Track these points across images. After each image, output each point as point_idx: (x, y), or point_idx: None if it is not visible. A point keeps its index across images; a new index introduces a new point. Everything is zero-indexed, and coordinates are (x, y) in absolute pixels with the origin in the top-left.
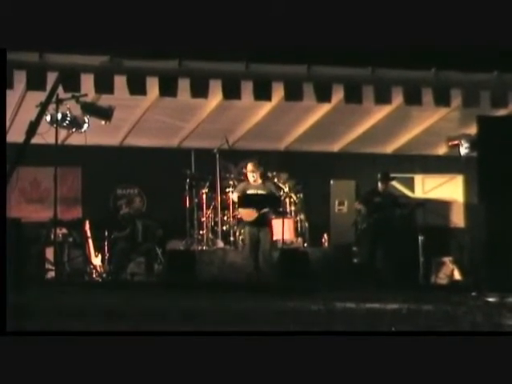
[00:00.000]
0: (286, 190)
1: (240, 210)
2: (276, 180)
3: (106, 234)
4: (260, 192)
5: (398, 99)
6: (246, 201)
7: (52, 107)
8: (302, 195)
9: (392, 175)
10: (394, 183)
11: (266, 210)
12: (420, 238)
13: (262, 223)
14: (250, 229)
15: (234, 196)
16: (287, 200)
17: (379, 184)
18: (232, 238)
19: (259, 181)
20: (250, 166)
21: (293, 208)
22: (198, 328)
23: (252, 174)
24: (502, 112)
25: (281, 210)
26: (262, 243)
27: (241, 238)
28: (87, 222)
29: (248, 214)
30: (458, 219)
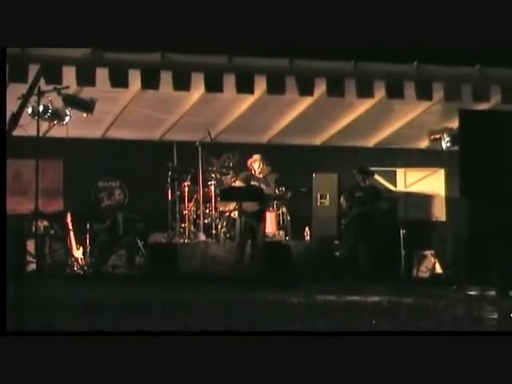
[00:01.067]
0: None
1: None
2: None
3: (88, 226)
4: (262, 186)
5: (380, 93)
6: (228, 194)
7: (33, 99)
8: (283, 188)
9: (373, 169)
10: (376, 176)
11: (262, 203)
12: (402, 231)
13: (259, 216)
14: (247, 221)
15: (237, 183)
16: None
17: (359, 177)
18: (214, 231)
19: (262, 174)
20: (256, 156)
21: (274, 201)
22: (179, 320)
23: (258, 165)
24: (483, 106)
25: (270, 205)
26: (257, 235)
27: (223, 230)
28: (69, 215)
29: (249, 206)
30: (439, 213)
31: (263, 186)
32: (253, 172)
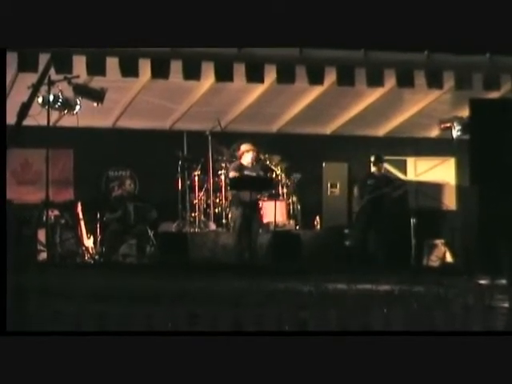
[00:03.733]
0: (279, 172)
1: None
2: (268, 162)
3: (98, 216)
4: (254, 174)
5: (390, 81)
6: (239, 183)
7: (44, 89)
8: (294, 177)
9: (384, 157)
10: (387, 166)
11: (259, 192)
12: (412, 220)
13: (254, 205)
14: (243, 210)
15: (230, 175)
16: (279, 182)
17: (372, 167)
18: (224, 221)
19: (254, 162)
20: (245, 146)
21: (285, 190)
22: (189, 309)
23: (248, 154)
24: (494, 94)
25: (273, 192)
26: (254, 225)
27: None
28: (79, 204)
29: (242, 195)
30: (450, 202)
31: (254, 175)
32: (244, 162)
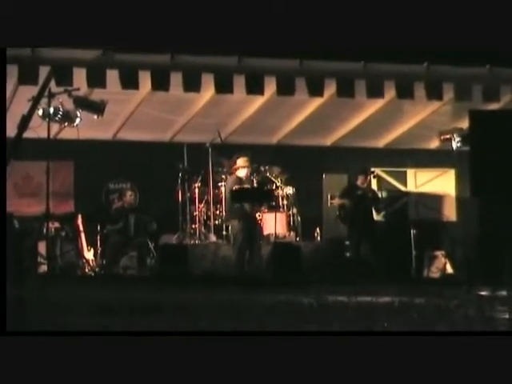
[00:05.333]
0: (279, 184)
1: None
2: (268, 174)
3: (99, 228)
4: (253, 186)
5: (390, 93)
6: (239, 195)
7: (44, 101)
8: (294, 189)
9: (383, 169)
10: (386, 177)
11: (259, 204)
12: (412, 231)
13: (254, 217)
14: (243, 222)
15: (227, 189)
16: (279, 194)
17: (359, 178)
18: (224, 232)
19: (249, 176)
20: (240, 161)
21: (285, 202)
22: (190, 321)
23: (243, 170)
24: (494, 106)
25: (273, 204)
26: (254, 237)
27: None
28: (79, 216)
29: (242, 207)
30: (450, 213)
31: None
32: (240, 175)
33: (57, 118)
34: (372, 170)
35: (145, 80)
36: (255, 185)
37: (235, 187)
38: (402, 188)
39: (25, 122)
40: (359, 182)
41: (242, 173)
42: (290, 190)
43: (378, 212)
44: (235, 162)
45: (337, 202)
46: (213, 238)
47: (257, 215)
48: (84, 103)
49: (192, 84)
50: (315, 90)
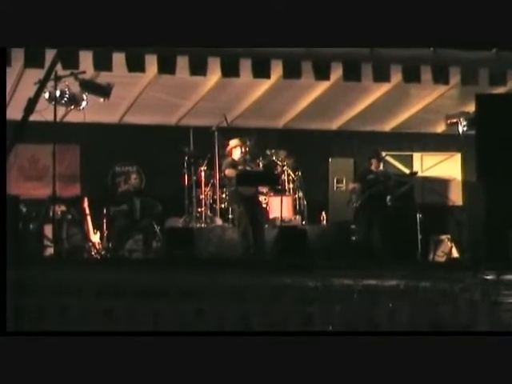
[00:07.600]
0: (285, 167)
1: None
2: (274, 158)
3: (105, 211)
4: (249, 169)
5: (396, 77)
6: (245, 179)
7: (50, 84)
8: (300, 173)
9: (389, 153)
10: (393, 161)
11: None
12: (418, 215)
13: (260, 201)
14: (249, 206)
15: (227, 172)
16: (285, 178)
17: (372, 162)
18: (230, 216)
19: (246, 157)
20: (233, 142)
21: (291, 186)
22: (196, 304)
23: (237, 149)
24: (500, 90)
25: (279, 187)
26: (260, 220)
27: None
28: (86, 200)
29: (247, 190)
30: (456, 197)
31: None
32: (235, 157)
33: (63, 101)
34: (384, 153)
35: (151, 63)
36: (261, 168)
37: (232, 170)
38: (409, 172)
39: (31, 105)
40: (373, 167)
41: (236, 154)
42: (296, 174)
43: (392, 196)
44: (228, 144)
45: (351, 186)
46: (219, 221)
47: (262, 198)
48: (90, 86)
49: (198, 67)
50: (322, 73)
